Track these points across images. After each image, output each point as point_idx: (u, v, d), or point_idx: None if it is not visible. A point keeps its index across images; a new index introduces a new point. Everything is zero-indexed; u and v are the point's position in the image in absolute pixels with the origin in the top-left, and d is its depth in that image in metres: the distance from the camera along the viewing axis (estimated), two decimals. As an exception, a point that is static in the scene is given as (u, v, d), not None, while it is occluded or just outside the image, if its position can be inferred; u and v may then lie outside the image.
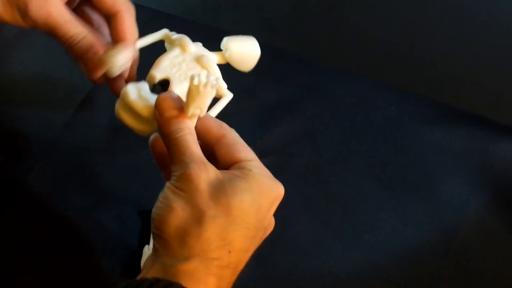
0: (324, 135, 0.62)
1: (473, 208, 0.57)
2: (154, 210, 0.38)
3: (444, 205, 0.57)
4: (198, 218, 0.37)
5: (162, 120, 0.40)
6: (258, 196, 0.38)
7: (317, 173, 0.59)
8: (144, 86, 0.45)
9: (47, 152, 0.59)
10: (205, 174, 0.38)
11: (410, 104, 0.64)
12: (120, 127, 0.60)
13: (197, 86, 0.40)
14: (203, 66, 0.47)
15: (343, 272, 0.53)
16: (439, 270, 0.53)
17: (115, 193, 0.56)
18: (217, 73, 0.47)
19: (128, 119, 0.44)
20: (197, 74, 0.40)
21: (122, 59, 0.44)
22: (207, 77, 0.40)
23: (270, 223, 0.41)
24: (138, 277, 0.36)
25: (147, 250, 0.52)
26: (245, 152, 0.41)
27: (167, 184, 0.39)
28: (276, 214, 0.55)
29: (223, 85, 0.48)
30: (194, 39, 0.63)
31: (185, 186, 0.38)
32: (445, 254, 0.54)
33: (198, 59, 0.47)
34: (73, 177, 0.58)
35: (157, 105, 0.40)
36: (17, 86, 0.65)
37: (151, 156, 0.51)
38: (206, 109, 0.42)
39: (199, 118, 0.42)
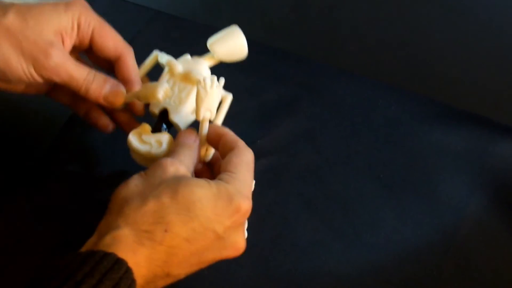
0: (324, 135, 0.62)
1: (473, 208, 0.57)
2: None
3: (444, 205, 0.57)
4: (143, 194, 0.39)
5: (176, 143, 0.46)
6: (212, 197, 0.39)
7: (317, 173, 0.59)
8: (144, 128, 0.49)
9: (46, 152, 0.59)
10: (173, 167, 0.41)
11: (410, 104, 0.64)
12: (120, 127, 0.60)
13: (204, 89, 0.44)
14: (193, 82, 0.49)
15: (343, 272, 0.53)
16: (439, 270, 0.53)
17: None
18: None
19: (140, 161, 0.49)
20: (202, 78, 0.44)
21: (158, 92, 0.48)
22: (212, 79, 0.44)
23: (232, 239, 0.41)
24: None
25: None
26: (233, 166, 0.43)
27: None
28: (276, 214, 0.56)
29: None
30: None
31: (151, 171, 0.41)
32: (445, 254, 0.54)
33: (186, 77, 0.49)
34: (73, 177, 0.58)
35: (177, 137, 0.47)
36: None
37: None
38: (215, 110, 0.46)
39: (220, 138, 0.46)
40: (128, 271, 0.35)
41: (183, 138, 0.46)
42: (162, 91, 0.47)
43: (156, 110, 0.50)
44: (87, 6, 0.47)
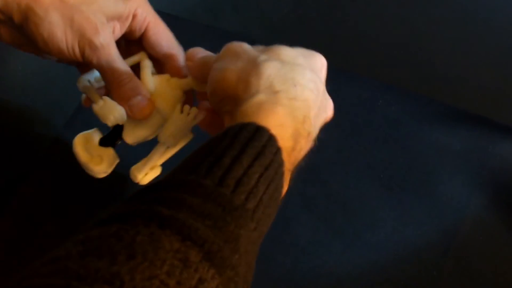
0: (324, 135, 0.62)
1: (473, 208, 0.57)
2: (210, 83, 0.40)
3: (444, 205, 0.57)
4: (253, 63, 0.38)
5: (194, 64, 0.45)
6: (301, 52, 0.40)
7: (317, 173, 0.59)
8: (94, 135, 0.46)
9: (47, 152, 0.59)
10: (242, 43, 0.40)
11: (410, 104, 0.64)
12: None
13: (184, 114, 0.44)
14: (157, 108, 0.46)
15: (343, 272, 0.53)
16: (439, 270, 0.53)
17: (116, 193, 0.56)
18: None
19: (79, 162, 0.46)
20: (183, 106, 0.44)
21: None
22: (193, 111, 0.44)
23: (326, 97, 0.41)
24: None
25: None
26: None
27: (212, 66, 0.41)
28: (276, 214, 0.56)
29: None
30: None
31: (228, 51, 0.40)
32: (445, 254, 0.54)
33: (154, 99, 0.46)
34: (73, 177, 0.58)
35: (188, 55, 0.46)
36: (17, 86, 0.65)
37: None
38: (178, 141, 0.45)
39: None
40: (271, 138, 0.34)
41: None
42: (113, 118, 0.44)
43: (109, 123, 0.46)
44: (146, 1, 0.47)
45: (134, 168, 0.46)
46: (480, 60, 0.69)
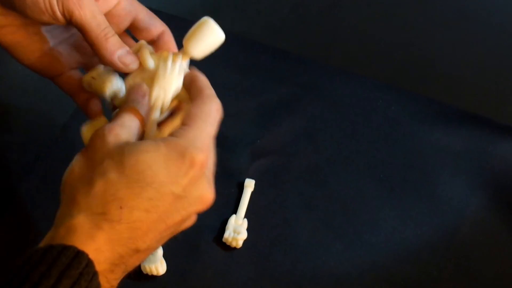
0: (324, 135, 0.62)
1: (473, 208, 0.57)
2: None
3: (444, 205, 0.57)
4: (89, 175, 0.37)
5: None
6: (162, 159, 0.37)
7: (317, 173, 0.59)
8: (101, 122, 0.46)
9: (47, 152, 0.59)
10: (112, 135, 0.38)
11: (410, 104, 0.64)
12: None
13: (165, 66, 0.43)
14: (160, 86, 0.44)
15: (343, 272, 0.53)
16: (439, 270, 0.53)
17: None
18: (169, 91, 0.44)
19: None
20: (169, 56, 0.43)
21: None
22: (180, 65, 0.43)
23: (195, 194, 0.39)
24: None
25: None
26: (190, 118, 0.40)
27: None
28: (276, 214, 0.56)
29: None
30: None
31: (90, 145, 0.39)
32: (445, 254, 0.54)
33: (154, 77, 0.45)
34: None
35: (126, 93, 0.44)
36: (17, 86, 0.65)
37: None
38: (170, 95, 0.43)
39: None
40: (89, 264, 0.34)
41: (131, 95, 0.43)
42: (112, 88, 0.44)
43: (107, 91, 0.45)
44: None
45: None
46: (480, 60, 0.69)
